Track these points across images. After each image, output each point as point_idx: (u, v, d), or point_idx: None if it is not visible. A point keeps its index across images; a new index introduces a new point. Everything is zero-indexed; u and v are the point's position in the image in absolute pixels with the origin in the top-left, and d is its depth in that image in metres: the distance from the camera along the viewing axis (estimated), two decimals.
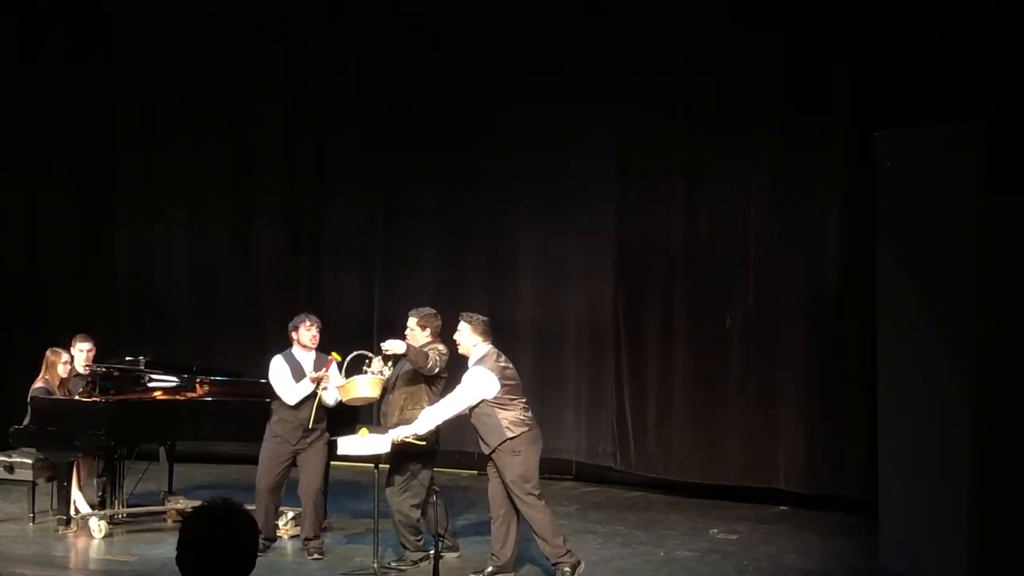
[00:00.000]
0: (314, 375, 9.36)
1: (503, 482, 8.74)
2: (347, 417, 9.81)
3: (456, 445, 10.55)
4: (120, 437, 10.20)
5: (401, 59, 13.20)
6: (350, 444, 8.84)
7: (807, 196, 11.37)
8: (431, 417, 8.77)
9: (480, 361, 8.78)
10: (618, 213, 12.30)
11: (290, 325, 9.68)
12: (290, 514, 10.04)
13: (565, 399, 12.64)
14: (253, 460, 9.70)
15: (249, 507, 9.37)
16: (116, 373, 10.58)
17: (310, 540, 9.56)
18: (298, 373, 9.45)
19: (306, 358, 9.53)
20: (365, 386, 9.05)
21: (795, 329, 11.39)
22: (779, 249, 11.46)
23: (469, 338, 8.87)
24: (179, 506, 10.61)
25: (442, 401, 8.83)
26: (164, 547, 9.44)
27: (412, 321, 9.31)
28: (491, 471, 8.87)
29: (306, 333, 9.57)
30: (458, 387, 8.80)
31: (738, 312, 11.67)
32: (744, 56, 11.54)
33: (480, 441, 8.84)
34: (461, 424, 9.09)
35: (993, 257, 8.14)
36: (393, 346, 8.90)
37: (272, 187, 14.00)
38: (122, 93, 14.20)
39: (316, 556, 9.49)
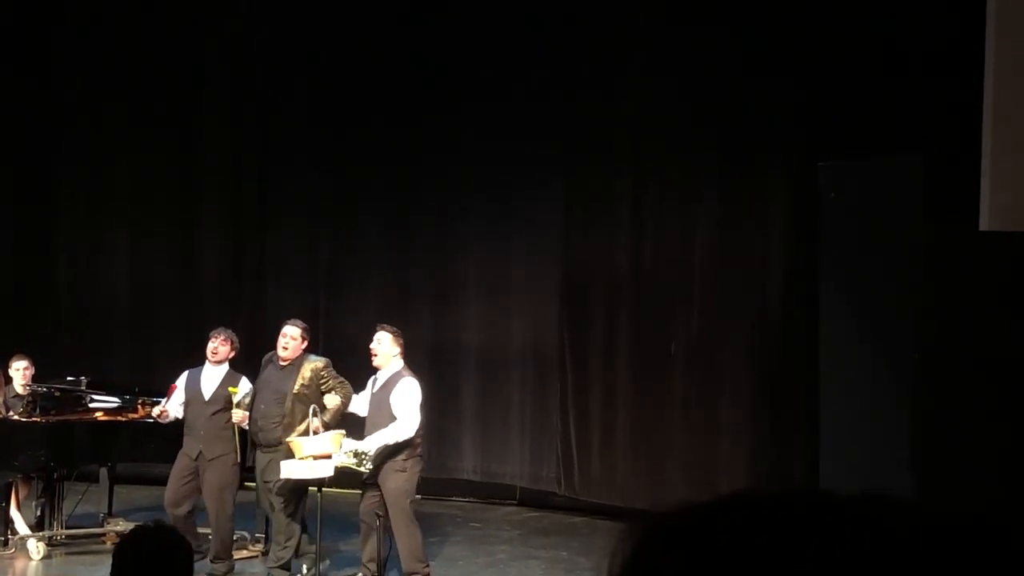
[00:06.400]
0: (159, 410, 9.52)
1: (383, 497, 8.61)
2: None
3: None
4: (61, 458, 10.10)
5: (349, 78, 13.16)
6: (293, 468, 8.78)
7: (752, 224, 11.45)
8: (388, 438, 8.58)
9: (408, 372, 8.64)
10: (564, 237, 12.33)
11: None
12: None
13: (509, 423, 12.62)
14: None
15: (203, 530, 9.40)
16: (57, 393, 10.47)
17: (215, 561, 9.45)
18: (191, 389, 9.46)
19: (212, 373, 9.47)
20: (327, 442, 8.74)
21: (738, 356, 11.45)
22: (724, 276, 11.52)
23: (391, 348, 8.71)
24: (118, 528, 10.46)
25: (398, 423, 8.61)
26: (102, 569, 9.26)
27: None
28: (370, 488, 8.75)
29: (209, 346, 9.53)
30: (406, 402, 8.63)
31: (682, 338, 11.71)
32: (691, 85, 11.62)
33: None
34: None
35: (933, 287, 8.22)
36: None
37: (216, 204, 13.86)
38: (64, 108, 14.04)
39: None
